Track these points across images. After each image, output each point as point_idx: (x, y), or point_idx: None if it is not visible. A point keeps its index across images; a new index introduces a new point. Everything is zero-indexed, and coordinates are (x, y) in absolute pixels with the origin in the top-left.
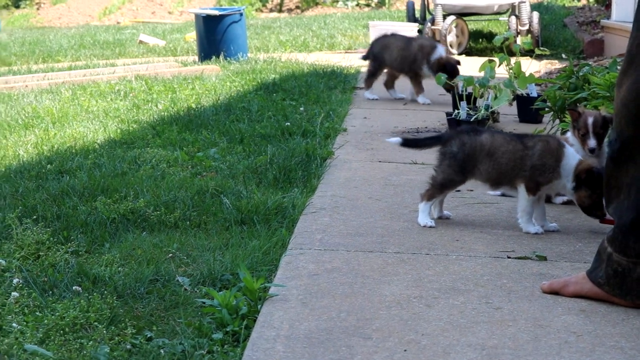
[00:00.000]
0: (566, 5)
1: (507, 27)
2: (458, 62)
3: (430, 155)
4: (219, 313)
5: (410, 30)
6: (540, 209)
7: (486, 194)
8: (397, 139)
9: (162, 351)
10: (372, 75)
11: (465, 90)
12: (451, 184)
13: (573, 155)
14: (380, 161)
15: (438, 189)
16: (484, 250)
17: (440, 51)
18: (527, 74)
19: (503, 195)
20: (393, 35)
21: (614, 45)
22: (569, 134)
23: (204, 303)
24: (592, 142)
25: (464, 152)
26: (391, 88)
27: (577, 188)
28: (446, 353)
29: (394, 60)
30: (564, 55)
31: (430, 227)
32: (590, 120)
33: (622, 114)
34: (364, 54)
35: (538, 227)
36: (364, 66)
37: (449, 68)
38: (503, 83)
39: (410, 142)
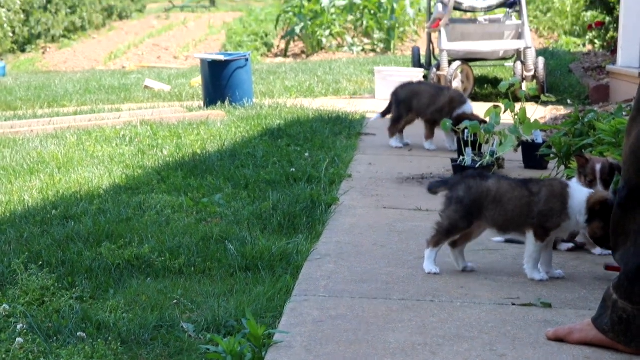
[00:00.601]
0: (572, 50)
1: (513, 73)
2: (484, 121)
3: (435, 202)
4: None
5: (416, 75)
6: (547, 255)
7: (491, 241)
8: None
9: None
10: (396, 121)
11: (471, 137)
12: (457, 229)
13: (579, 190)
14: (385, 207)
15: (444, 234)
16: (489, 297)
17: (465, 108)
18: (532, 120)
19: (507, 241)
20: (420, 82)
21: (620, 91)
22: (574, 181)
23: (209, 349)
24: (606, 193)
25: (470, 197)
26: (400, 134)
27: (590, 220)
28: None
29: (422, 106)
30: (569, 101)
31: (435, 274)
32: (598, 166)
33: (631, 161)
34: (381, 111)
35: (543, 274)
36: (370, 112)
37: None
38: (508, 129)
39: (433, 189)
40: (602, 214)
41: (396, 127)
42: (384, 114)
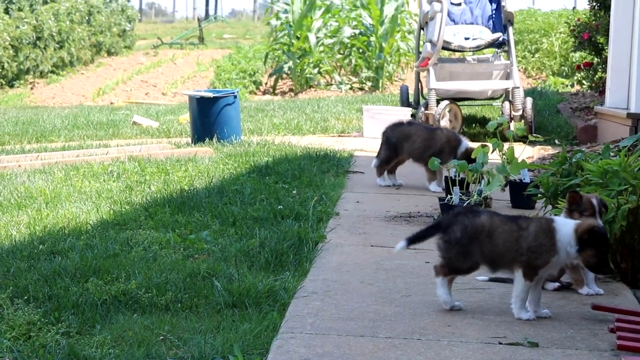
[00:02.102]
0: (560, 91)
1: (501, 113)
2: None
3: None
4: None
5: (404, 114)
6: (536, 294)
7: (477, 280)
8: (402, 244)
9: None
10: (385, 162)
11: (459, 176)
12: (470, 270)
13: (564, 222)
14: (372, 245)
15: (455, 273)
16: (476, 335)
17: (466, 143)
18: (520, 160)
19: (492, 280)
20: (411, 123)
21: (608, 131)
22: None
23: None
24: (600, 223)
25: (468, 236)
26: (392, 174)
27: (581, 250)
28: None
29: (415, 149)
30: (557, 141)
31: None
32: (594, 201)
33: None
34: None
35: (530, 313)
36: (358, 150)
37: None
38: (496, 168)
39: (414, 240)
40: (593, 242)
41: (384, 168)
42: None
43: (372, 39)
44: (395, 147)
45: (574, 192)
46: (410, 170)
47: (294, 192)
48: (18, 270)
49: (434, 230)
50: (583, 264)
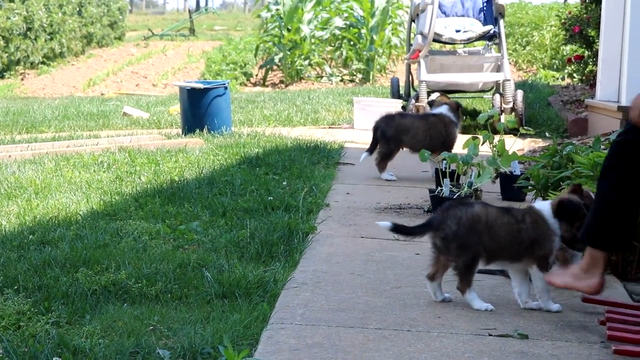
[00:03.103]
0: (550, 84)
1: (492, 105)
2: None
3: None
4: None
5: (394, 106)
6: (525, 286)
7: None
8: (388, 224)
9: None
10: (386, 157)
11: (449, 167)
12: (476, 261)
13: (544, 204)
14: (362, 237)
15: (468, 272)
16: (466, 327)
17: (445, 108)
18: (510, 152)
19: (481, 272)
20: (402, 115)
21: (598, 124)
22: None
23: None
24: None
25: (465, 227)
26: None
27: (560, 225)
28: None
29: (419, 141)
30: (547, 134)
31: (492, 310)
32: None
33: None
34: (368, 148)
35: (557, 305)
36: (349, 141)
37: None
38: (486, 161)
39: (400, 229)
40: (565, 215)
41: (386, 162)
42: (371, 151)
43: (363, 31)
44: (396, 141)
45: (577, 186)
46: (401, 163)
47: (284, 183)
48: (8, 260)
49: (425, 229)
50: (562, 241)
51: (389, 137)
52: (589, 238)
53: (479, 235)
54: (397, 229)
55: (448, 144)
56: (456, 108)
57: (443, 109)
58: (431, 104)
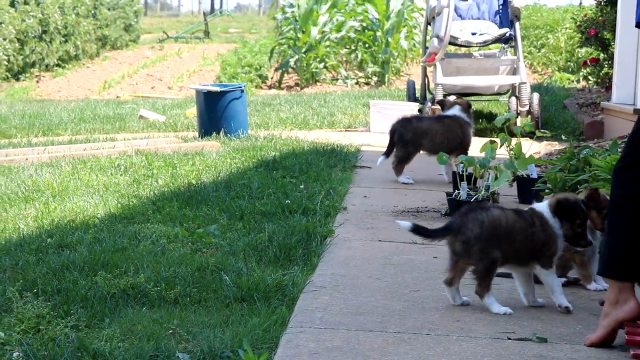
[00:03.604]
0: (566, 86)
1: (507, 108)
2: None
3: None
4: None
5: (410, 109)
6: (530, 285)
7: None
8: (408, 224)
9: None
10: (404, 160)
11: (466, 171)
12: (496, 265)
13: (543, 205)
14: (380, 240)
15: (487, 276)
16: (485, 331)
17: (458, 109)
18: (527, 155)
19: (498, 275)
20: (419, 118)
21: (614, 127)
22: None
23: None
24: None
25: (487, 231)
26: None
27: (561, 225)
28: None
29: (436, 144)
30: (563, 137)
31: (510, 314)
32: None
33: None
34: (385, 151)
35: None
36: (365, 145)
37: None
38: (503, 164)
39: (420, 230)
40: (563, 214)
41: (403, 165)
42: (388, 154)
43: (378, 33)
44: (413, 144)
45: (594, 190)
46: (417, 166)
47: (302, 186)
48: (27, 264)
49: (444, 232)
50: (565, 239)
51: (406, 140)
52: (613, 272)
53: (499, 240)
54: (417, 230)
55: (464, 146)
56: (467, 108)
57: (456, 110)
58: (442, 104)
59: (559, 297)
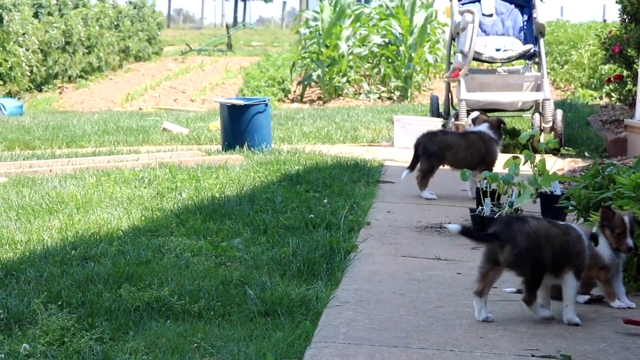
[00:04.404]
0: (589, 103)
1: (531, 124)
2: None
3: (454, 251)
4: None
5: (434, 125)
6: (548, 297)
7: (506, 292)
8: (457, 227)
9: None
10: (428, 173)
11: (490, 187)
12: (543, 274)
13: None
14: (404, 256)
15: (538, 286)
16: (509, 348)
17: (485, 126)
18: (551, 172)
19: (519, 292)
20: (444, 132)
21: (638, 144)
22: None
23: None
24: (629, 241)
25: (536, 241)
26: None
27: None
28: None
29: (460, 159)
30: (587, 154)
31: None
32: (627, 219)
33: None
34: (409, 165)
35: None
36: (389, 159)
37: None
38: (527, 180)
39: (468, 234)
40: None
41: (427, 179)
42: (412, 168)
43: (401, 48)
44: (437, 157)
45: (606, 208)
46: (440, 181)
47: (325, 201)
48: (51, 276)
49: (492, 238)
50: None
51: (431, 153)
52: None
53: (544, 249)
54: (465, 233)
55: (488, 162)
56: (497, 125)
57: (483, 127)
58: (474, 121)
59: (570, 312)
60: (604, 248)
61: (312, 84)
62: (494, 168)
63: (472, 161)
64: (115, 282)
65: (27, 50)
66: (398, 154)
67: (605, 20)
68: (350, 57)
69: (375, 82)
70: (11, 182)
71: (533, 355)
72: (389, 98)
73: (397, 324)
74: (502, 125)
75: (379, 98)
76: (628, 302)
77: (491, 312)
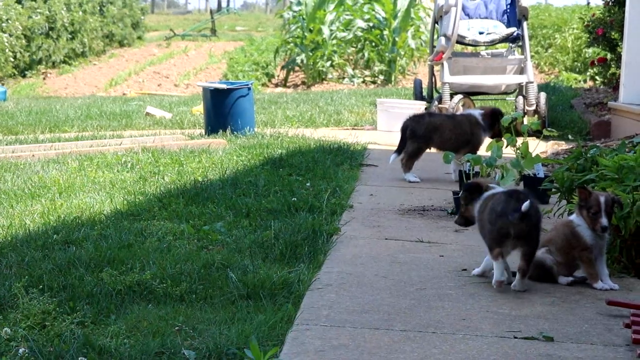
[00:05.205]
0: (573, 86)
1: (514, 107)
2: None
3: (437, 234)
4: None
5: (417, 108)
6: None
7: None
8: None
9: None
10: (414, 155)
11: (473, 170)
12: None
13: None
14: (386, 239)
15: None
16: (491, 329)
17: (477, 111)
18: (534, 155)
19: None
20: (431, 114)
21: (622, 127)
22: (573, 216)
23: None
24: (604, 221)
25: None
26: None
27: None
28: None
29: (446, 140)
30: (570, 137)
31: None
32: (602, 199)
33: None
34: (396, 149)
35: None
36: (372, 143)
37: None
38: (510, 163)
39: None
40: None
41: (413, 162)
42: (400, 151)
43: (385, 32)
44: (425, 139)
45: (582, 188)
46: (423, 165)
47: (308, 184)
48: (32, 260)
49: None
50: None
51: (419, 135)
52: None
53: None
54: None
55: (474, 144)
56: (489, 115)
57: (474, 111)
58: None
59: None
60: (584, 229)
61: (296, 68)
62: (478, 152)
63: (458, 143)
64: (97, 266)
65: (10, 36)
66: (381, 137)
67: (588, 3)
68: (334, 41)
69: (359, 66)
70: None
71: (515, 337)
72: (373, 82)
73: (379, 306)
74: (498, 116)
75: (363, 82)
76: (611, 284)
77: (474, 294)
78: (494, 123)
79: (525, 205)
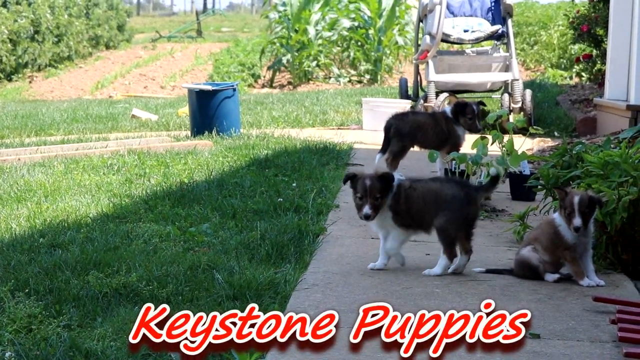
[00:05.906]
0: (558, 83)
1: (500, 105)
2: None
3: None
4: None
5: (403, 107)
6: None
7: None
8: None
9: None
10: (399, 155)
11: (458, 167)
12: None
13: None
14: (373, 238)
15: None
16: None
17: (448, 109)
18: (519, 152)
19: (488, 272)
20: (414, 112)
21: (607, 123)
22: (556, 214)
23: None
24: (577, 221)
25: None
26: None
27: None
28: None
29: (429, 139)
30: (556, 133)
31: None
32: (576, 199)
33: None
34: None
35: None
36: (358, 142)
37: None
38: (496, 160)
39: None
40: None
41: (398, 161)
42: (384, 151)
43: (371, 31)
44: (410, 137)
45: (559, 189)
46: (409, 163)
47: (294, 184)
48: (18, 264)
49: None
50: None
51: (404, 134)
52: None
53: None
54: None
55: (454, 141)
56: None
57: (447, 108)
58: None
59: None
60: (565, 229)
61: (282, 68)
62: (461, 149)
63: (438, 141)
64: (83, 269)
65: None
66: (367, 136)
67: (573, 0)
68: (320, 41)
69: (345, 66)
70: None
71: None
72: (359, 82)
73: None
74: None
75: (349, 82)
76: (597, 280)
77: (460, 292)
78: (458, 115)
79: (492, 170)
